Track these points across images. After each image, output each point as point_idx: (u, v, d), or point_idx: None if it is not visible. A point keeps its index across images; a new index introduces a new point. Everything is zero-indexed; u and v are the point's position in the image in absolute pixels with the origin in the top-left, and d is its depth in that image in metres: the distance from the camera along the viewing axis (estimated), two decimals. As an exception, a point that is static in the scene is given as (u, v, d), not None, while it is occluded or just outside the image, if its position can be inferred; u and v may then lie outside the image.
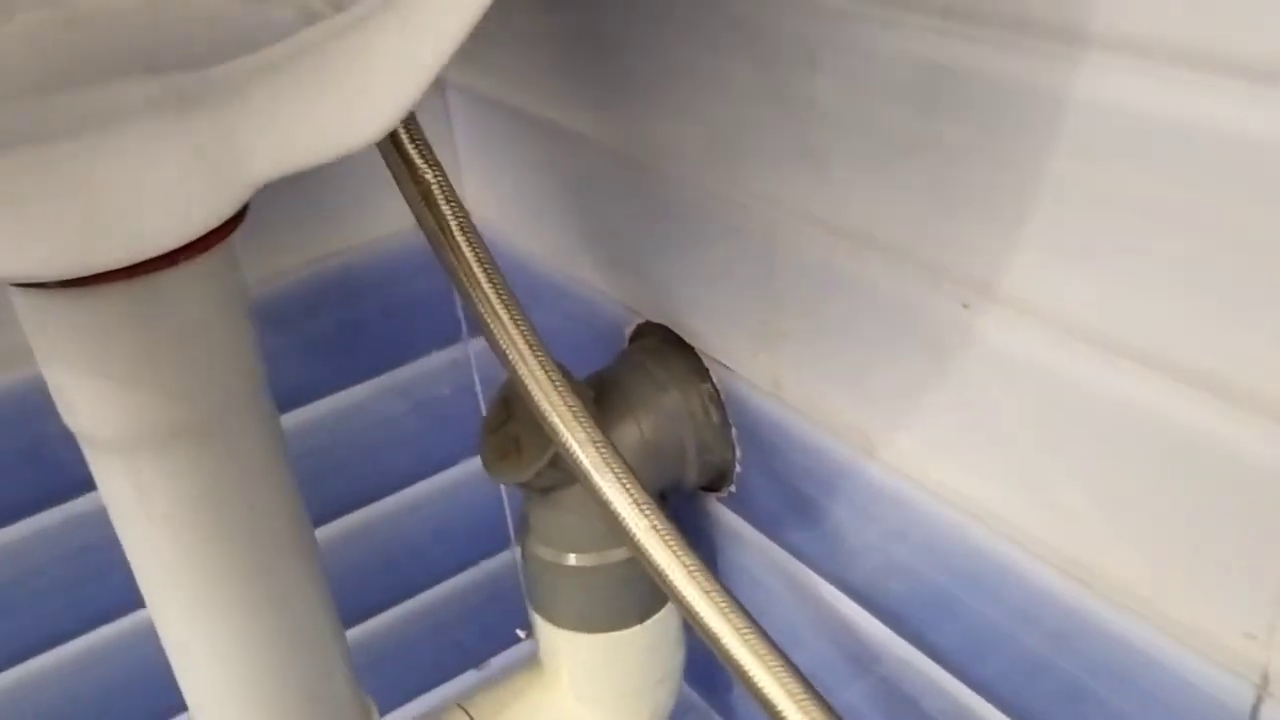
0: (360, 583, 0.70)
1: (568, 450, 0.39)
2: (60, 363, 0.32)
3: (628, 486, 0.38)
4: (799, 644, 0.49)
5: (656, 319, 0.51)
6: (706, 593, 0.37)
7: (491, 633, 0.79)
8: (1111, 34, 0.28)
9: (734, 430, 0.49)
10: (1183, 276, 0.29)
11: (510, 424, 0.48)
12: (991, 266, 0.33)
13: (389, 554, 0.71)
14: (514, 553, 0.77)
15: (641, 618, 0.51)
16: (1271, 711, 0.32)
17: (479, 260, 0.40)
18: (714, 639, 0.37)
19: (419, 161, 0.40)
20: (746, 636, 0.36)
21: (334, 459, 0.65)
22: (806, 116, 0.38)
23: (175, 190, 0.27)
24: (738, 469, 0.49)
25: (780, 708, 0.34)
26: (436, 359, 0.67)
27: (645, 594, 0.51)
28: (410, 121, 0.39)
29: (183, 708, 0.41)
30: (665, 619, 0.52)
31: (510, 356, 0.40)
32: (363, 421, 0.66)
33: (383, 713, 0.46)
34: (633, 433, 0.47)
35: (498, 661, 0.80)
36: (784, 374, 0.44)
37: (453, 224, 0.40)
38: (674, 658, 0.54)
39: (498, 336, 0.40)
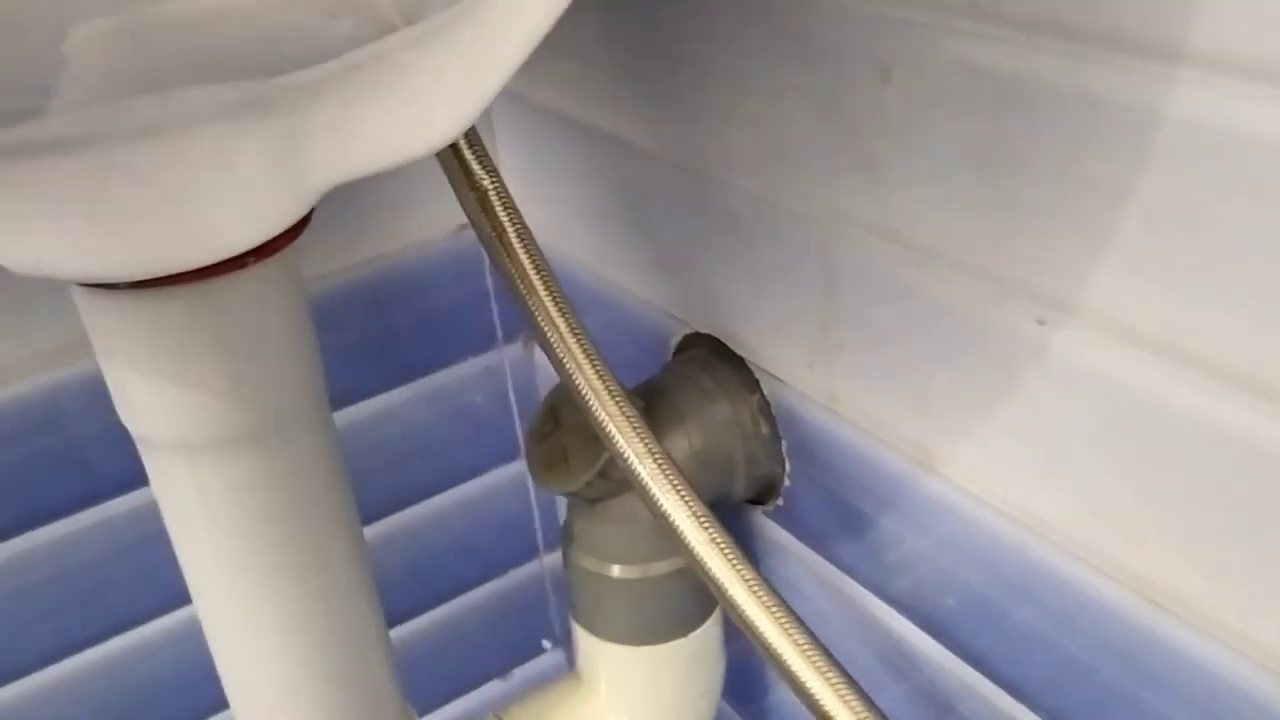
0: (386, 590, 0.69)
1: (624, 461, 0.39)
2: (123, 364, 0.31)
3: (686, 499, 0.38)
4: (845, 658, 0.48)
5: (704, 329, 0.51)
6: (768, 608, 0.36)
7: (518, 643, 0.78)
8: (1212, 52, 0.27)
9: (784, 443, 0.48)
10: (1268, 297, 0.29)
11: (558, 433, 0.47)
12: (1069, 283, 0.33)
13: (415, 562, 0.70)
14: (542, 563, 0.76)
15: (685, 631, 0.50)
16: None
17: (535, 267, 0.40)
18: (774, 655, 0.36)
19: (476, 167, 0.40)
20: (809, 654, 0.36)
21: (365, 465, 0.65)
22: (874, 128, 0.37)
23: (247, 193, 0.27)
24: (786, 482, 0.49)
25: (846, 726, 0.33)
26: (470, 366, 0.67)
27: (689, 607, 0.50)
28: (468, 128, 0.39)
29: (219, 708, 0.41)
30: (707, 632, 0.51)
31: (567, 365, 0.39)
32: (394, 428, 0.65)
33: (415, 722, 0.46)
34: (682, 444, 0.47)
35: (521, 672, 0.79)
36: (839, 386, 0.44)
37: (510, 230, 0.40)
38: (715, 671, 0.54)
39: (554, 344, 0.40)
